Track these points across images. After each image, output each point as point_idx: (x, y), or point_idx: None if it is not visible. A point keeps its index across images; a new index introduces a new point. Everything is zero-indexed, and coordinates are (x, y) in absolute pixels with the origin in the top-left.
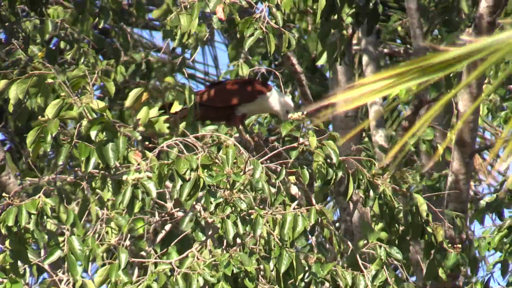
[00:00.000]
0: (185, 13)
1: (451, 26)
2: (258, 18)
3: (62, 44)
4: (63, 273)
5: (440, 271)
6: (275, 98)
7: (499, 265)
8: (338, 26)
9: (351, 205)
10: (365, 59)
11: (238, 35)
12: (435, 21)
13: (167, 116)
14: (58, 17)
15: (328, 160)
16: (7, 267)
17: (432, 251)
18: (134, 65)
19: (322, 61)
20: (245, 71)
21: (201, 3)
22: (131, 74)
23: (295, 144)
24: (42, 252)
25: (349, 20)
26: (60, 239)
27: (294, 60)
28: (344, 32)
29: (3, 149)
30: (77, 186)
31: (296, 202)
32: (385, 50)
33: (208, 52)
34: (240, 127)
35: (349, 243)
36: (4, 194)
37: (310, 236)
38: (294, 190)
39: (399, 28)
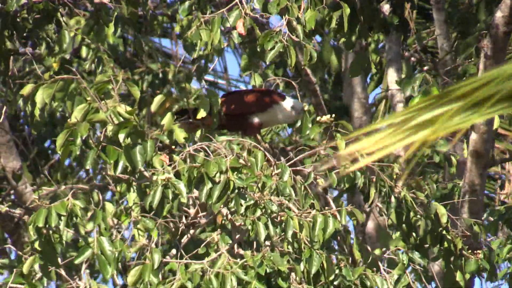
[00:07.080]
0: (205, 28)
1: (468, 37)
2: (278, 32)
3: (83, 53)
4: (79, 280)
5: (459, 277)
6: (288, 106)
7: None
8: (365, 36)
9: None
10: (390, 70)
11: (258, 49)
12: (453, 33)
13: (179, 124)
14: (79, 24)
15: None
16: (36, 268)
17: (452, 258)
18: (151, 75)
19: (354, 74)
20: (257, 81)
21: (221, 19)
22: (148, 85)
23: (314, 150)
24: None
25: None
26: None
27: (309, 71)
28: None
29: (20, 158)
30: (105, 190)
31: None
32: (412, 59)
33: (218, 62)
34: (258, 136)
35: (369, 248)
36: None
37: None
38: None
39: (426, 36)
